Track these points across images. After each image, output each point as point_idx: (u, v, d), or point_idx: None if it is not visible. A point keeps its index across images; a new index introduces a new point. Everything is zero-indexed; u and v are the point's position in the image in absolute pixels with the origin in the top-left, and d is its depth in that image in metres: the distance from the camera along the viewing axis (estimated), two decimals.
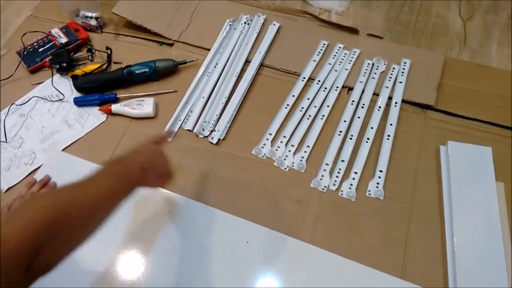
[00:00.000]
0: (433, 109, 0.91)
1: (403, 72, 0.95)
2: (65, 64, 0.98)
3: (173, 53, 1.03)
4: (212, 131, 0.90)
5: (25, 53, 1.02)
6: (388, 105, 0.91)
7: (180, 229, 0.78)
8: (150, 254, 0.76)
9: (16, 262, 0.40)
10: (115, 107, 0.93)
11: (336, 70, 0.97)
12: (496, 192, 0.78)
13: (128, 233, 0.78)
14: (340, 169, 0.84)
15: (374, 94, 0.93)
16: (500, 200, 0.77)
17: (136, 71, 0.96)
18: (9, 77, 1.00)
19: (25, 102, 0.97)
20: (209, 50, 1.03)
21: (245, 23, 1.06)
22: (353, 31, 1.04)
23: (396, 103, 0.91)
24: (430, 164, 0.85)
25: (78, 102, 0.96)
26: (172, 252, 0.76)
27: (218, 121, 0.91)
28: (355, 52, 1.00)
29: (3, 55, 1.05)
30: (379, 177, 0.82)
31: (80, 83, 0.97)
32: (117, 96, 0.96)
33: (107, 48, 1.04)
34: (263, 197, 0.82)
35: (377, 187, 0.81)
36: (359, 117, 0.90)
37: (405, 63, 0.97)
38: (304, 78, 0.96)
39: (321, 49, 1.01)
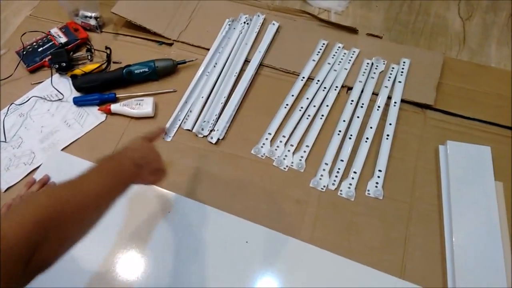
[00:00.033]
0: (432, 109, 0.91)
1: (402, 72, 0.95)
2: (64, 64, 0.98)
3: (173, 53, 1.03)
4: (211, 130, 0.90)
5: (24, 53, 1.02)
6: (387, 104, 0.91)
7: (179, 228, 0.78)
8: (149, 253, 0.76)
9: (14, 259, 0.40)
10: (114, 107, 0.93)
11: (335, 70, 0.97)
12: (495, 191, 0.78)
13: (127, 232, 0.78)
14: (339, 168, 0.84)
15: (373, 93, 0.93)
16: (499, 199, 0.78)
17: (136, 71, 0.96)
18: (8, 77, 1.00)
19: (25, 102, 0.97)
20: (208, 49, 1.03)
21: (244, 22, 1.06)
22: (352, 30, 1.04)
23: (395, 102, 0.91)
24: (429, 164, 0.85)
25: (77, 102, 0.96)
26: (171, 251, 0.76)
27: (217, 120, 0.91)
28: (354, 51, 1.00)
29: (3, 54, 1.05)
30: (378, 177, 0.82)
31: (79, 83, 0.97)
32: (117, 95, 0.96)
33: (107, 47, 1.04)
34: (262, 197, 0.82)
35: (376, 186, 0.81)
36: (358, 117, 0.90)
37: (404, 62, 0.97)
38: (303, 77, 0.96)
39: (321, 49, 1.01)
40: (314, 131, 0.89)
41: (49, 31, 1.05)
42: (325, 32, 1.04)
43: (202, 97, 0.95)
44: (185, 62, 0.99)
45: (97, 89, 0.97)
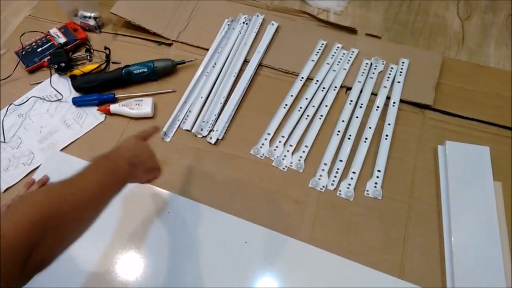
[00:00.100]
0: (431, 109, 0.91)
1: (401, 72, 0.95)
2: (63, 64, 0.98)
3: (172, 53, 1.03)
4: (210, 131, 0.90)
5: (23, 53, 1.02)
6: (386, 105, 0.92)
7: (178, 228, 0.78)
8: (148, 253, 0.76)
9: (13, 258, 0.40)
10: (113, 107, 0.93)
11: (334, 70, 0.97)
12: (494, 191, 0.78)
13: (126, 232, 0.78)
14: (338, 169, 0.84)
15: (372, 94, 0.93)
16: (498, 199, 0.78)
17: (135, 71, 0.96)
18: (7, 77, 1.00)
19: (24, 102, 0.97)
20: (207, 50, 1.03)
21: (243, 23, 1.06)
22: (352, 31, 1.04)
23: (394, 103, 0.91)
24: (428, 164, 0.85)
25: (76, 102, 0.96)
26: (169, 251, 0.76)
27: (216, 121, 0.91)
28: (353, 52, 1.00)
29: (2, 54, 1.05)
30: (377, 177, 0.82)
31: (78, 83, 0.97)
32: (116, 96, 0.96)
33: (106, 48, 1.04)
34: (262, 197, 0.82)
35: (375, 186, 0.81)
36: (357, 117, 0.90)
37: (403, 63, 0.97)
38: (302, 78, 0.97)
39: (320, 49, 1.01)
40: (313, 131, 0.89)
41: (48, 31, 1.05)
42: (324, 32, 1.05)
43: (201, 97, 0.95)
44: (184, 62, 0.99)
45: (96, 89, 0.97)
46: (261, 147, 0.88)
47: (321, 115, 0.91)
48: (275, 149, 0.87)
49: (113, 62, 1.03)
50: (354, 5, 1.15)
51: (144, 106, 0.92)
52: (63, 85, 1.00)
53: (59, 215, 0.46)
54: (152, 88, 0.98)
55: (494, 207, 0.76)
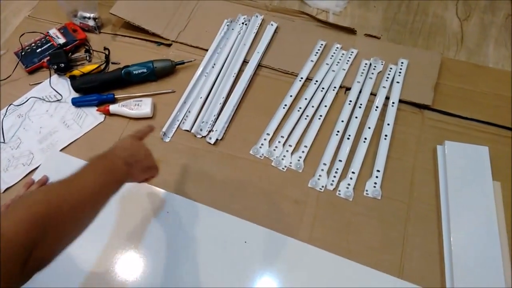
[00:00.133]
0: (430, 109, 0.91)
1: (400, 72, 0.95)
2: (63, 65, 0.98)
3: (171, 54, 1.04)
4: (210, 131, 0.90)
5: (23, 53, 1.02)
6: (385, 105, 0.92)
7: (178, 228, 0.78)
8: (146, 253, 0.76)
9: (13, 258, 0.40)
10: (113, 108, 0.93)
11: (333, 70, 0.97)
12: (493, 191, 0.78)
13: (125, 232, 0.78)
14: (337, 169, 0.84)
15: (371, 94, 0.94)
16: (497, 199, 0.78)
17: (134, 72, 0.96)
18: (7, 78, 1.00)
19: (23, 103, 0.97)
20: (207, 50, 1.03)
21: (243, 23, 1.06)
22: (351, 31, 1.04)
23: (393, 103, 0.91)
24: (427, 164, 0.85)
25: (76, 103, 0.96)
26: (168, 251, 0.76)
27: (216, 121, 0.91)
28: (352, 52, 1.00)
29: (2, 54, 1.05)
30: (377, 177, 0.82)
31: (78, 84, 0.97)
32: (115, 96, 0.96)
33: (105, 48, 1.04)
34: (261, 197, 0.82)
35: (374, 186, 0.82)
36: (356, 117, 0.90)
37: (402, 63, 0.97)
38: (301, 78, 0.97)
39: (319, 49, 1.01)
40: (313, 131, 0.89)
41: (48, 32, 1.05)
42: (323, 33, 1.05)
43: (201, 98, 0.95)
44: (183, 63, 0.99)
45: (96, 89, 0.97)
46: (260, 147, 0.88)
47: (321, 115, 0.91)
48: (274, 149, 0.87)
49: (112, 63, 1.03)
50: (353, 5, 1.15)
51: (143, 107, 0.92)
52: (62, 86, 1.00)
53: (58, 215, 0.46)
54: (151, 88, 0.98)
55: (493, 207, 0.76)
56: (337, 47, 1.01)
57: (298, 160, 0.86)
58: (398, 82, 0.94)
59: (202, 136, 0.90)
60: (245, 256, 0.75)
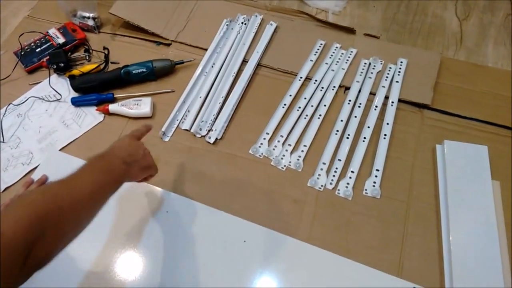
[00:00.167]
0: (429, 108, 0.92)
1: (399, 72, 0.95)
2: (62, 64, 0.98)
3: (170, 53, 1.04)
4: (209, 130, 0.90)
5: (22, 53, 1.01)
6: (384, 104, 0.92)
7: (177, 228, 0.78)
8: (146, 253, 0.76)
9: (12, 256, 0.40)
10: (112, 107, 0.93)
11: (333, 70, 0.98)
12: (492, 190, 0.78)
13: (123, 232, 0.78)
14: (337, 168, 0.84)
15: (370, 93, 0.94)
16: (496, 198, 0.78)
17: (134, 71, 0.96)
18: (6, 77, 1.00)
19: (23, 102, 0.97)
20: (206, 50, 1.03)
21: (242, 23, 1.06)
22: (350, 31, 1.04)
23: (392, 102, 0.91)
24: (427, 163, 0.85)
25: (75, 102, 0.96)
26: (167, 251, 0.76)
27: (215, 120, 0.91)
28: (351, 51, 1.00)
29: (2, 54, 1.05)
30: (376, 176, 0.82)
31: (77, 83, 0.97)
32: (115, 96, 0.96)
33: (105, 48, 1.04)
34: (260, 197, 0.82)
35: (373, 186, 0.82)
36: (355, 117, 0.90)
37: (401, 62, 0.97)
38: (301, 77, 0.97)
39: (318, 49, 1.01)
40: (312, 130, 0.89)
41: (47, 32, 1.05)
42: (323, 32, 1.05)
43: (200, 97, 0.95)
44: (183, 62, 0.99)
45: (95, 89, 0.97)
46: (260, 146, 0.88)
47: (320, 115, 0.91)
48: (273, 149, 0.87)
49: (112, 62, 1.03)
50: (353, 5, 1.15)
51: (143, 106, 0.92)
52: (62, 85, 1.00)
53: (57, 214, 0.46)
54: (151, 88, 0.98)
55: (492, 206, 0.76)
56: (337, 47, 1.01)
57: (298, 160, 0.86)
58: (397, 82, 0.94)
59: (202, 136, 0.90)
60: (244, 255, 0.75)
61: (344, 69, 0.97)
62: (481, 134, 0.88)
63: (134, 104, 0.93)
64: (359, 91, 0.94)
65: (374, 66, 0.97)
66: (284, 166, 0.85)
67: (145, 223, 0.79)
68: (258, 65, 1.00)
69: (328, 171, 0.84)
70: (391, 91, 0.93)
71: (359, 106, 0.91)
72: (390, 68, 0.96)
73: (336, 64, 0.98)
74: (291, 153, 0.87)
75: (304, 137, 0.88)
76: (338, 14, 1.14)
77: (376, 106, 0.91)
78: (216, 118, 0.91)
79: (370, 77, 0.96)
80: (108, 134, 0.91)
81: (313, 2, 1.15)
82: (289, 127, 0.90)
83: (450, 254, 0.72)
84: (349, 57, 0.99)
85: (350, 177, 0.83)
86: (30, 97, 0.98)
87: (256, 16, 1.07)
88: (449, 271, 0.71)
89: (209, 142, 0.89)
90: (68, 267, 0.74)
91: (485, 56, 1.03)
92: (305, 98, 0.94)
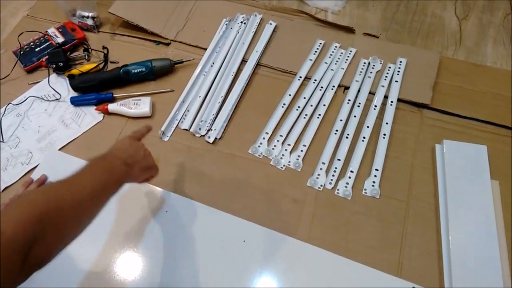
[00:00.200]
0: (429, 108, 0.92)
1: (399, 71, 0.95)
2: (61, 64, 0.98)
3: (170, 53, 1.03)
4: (208, 130, 0.90)
5: (21, 53, 1.01)
6: (384, 104, 0.92)
7: (177, 227, 0.78)
8: (145, 253, 0.76)
9: (12, 255, 0.41)
10: (111, 107, 0.93)
11: (332, 69, 0.98)
12: (492, 190, 0.78)
13: (123, 232, 0.78)
14: (336, 168, 0.84)
15: (370, 93, 0.94)
16: (495, 198, 0.78)
17: (133, 71, 0.96)
18: (5, 77, 1.00)
19: (22, 102, 0.97)
20: (205, 49, 1.03)
21: (241, 22, 1.06)
22: (349, 30, 1.04)
23: (392, 102, 0.91)
24: (426, 163, 0.85)
25: (74, 102, 0.96)
26: (167, 251, 0.76)
27: (214, 120, 0.91)
28: (351, 51, 1.00)
29: (2, 53, 1.05)
30: (375, 176, 0.82)
31: (76, 83, 0.97)
32: (114, 95, 0.96)
33: (104, 47, 1.04)
34: (260, 196, 0.82)
35: (373, 185, 0.82)
36: (355, 116, 0.90)
37: (401, 62, 0.97)
38: (300, 77, 0.97)
39: (318, 48, 1.01)
40: (311, 130, 0.89)
41: (46, 31, 1.05)
42: (322, 32, 1.05)
43: (200, 97, 0.95)
44: (182, 62, 0.99)
45: (95, 89, 0.97)
46: (259, 146, 0.88)
47: (319, 114, 0.91)
48: (273, 148, 0.87)
49: (111, 62, 1.03)
50: (352, 4, 1.15)
51: (142, 106, 0.92)
52: (61, 85, 0.99)
53: (57, 213, 0.46)
54: (150, 87, 0.98)
55: (492, 206, 0.76)
56: (336, 46, 1.01)
57: (297, 159, 0.86)
58: (396, 81, 0.94)
59: (201, 135, 0.90)
60: (244, 255, 0.75)
61: (343, 68, 0.97)
62: (480, 133, 0.88)
63: (134, 104, 0.93)
64: (359, 91, 0.94)
65: (374, 65, 0.97)
66: (284, 165, 0.85)
67: (145, 222, 0.79)
68: (258, 64, 1.00)
69: (327, 171, 0.84)
70: (390, 90, 0.93)
71: (358, 106, 0.91)
72: (390, 67, 0.96)
73: (336, 63, 0.98)
74: (291, 152, 0.87)
75: (304, 136, 0.88)
76: (337, 14, 1.14)
77: (376, 106, 0.91)
78: (215, 118, 0.91)
79: (369, 77, 0.96)
80: (107, 134, 0.91)
81: (312, 2, 1.15)
82: (289, 127, 0.90)
83: (450, 253, 0.72)
84: (348, 56, 0.99)
85: (350, 177, 0.83)
86: (29, 97, 0.98)
87: (256, 15, 1.07)
88: (449, 271, 0.71)
89: (208, 142, 0.89)
90: (68, 267, 0.74)
91: (484, 56, 1.03)
92: (304, 98, 0.94)
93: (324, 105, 0.92)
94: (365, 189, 0.82)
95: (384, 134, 0.87)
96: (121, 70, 0.96)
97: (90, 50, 1.04)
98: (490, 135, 0.88)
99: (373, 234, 0.77)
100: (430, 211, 0.79)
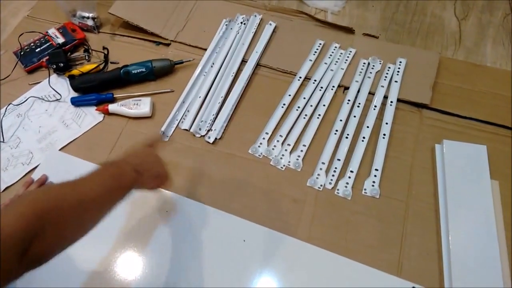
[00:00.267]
0: (428, 108, 0.92)
1: (398, 71, 0.95)
2: (62, 64, 0.98)
3: (170, 53, 1.04)
4: (208, 130, 0.90)
5: (22, 53, 1.02)
6: (383, 104, 0.92)
7: (177, 228, 0.79)
8: (148, 253, 0.76)
9: (11, 251, 0.41)
10: (112, 107, 0.93)
11: (332, 70, 0.98)
12: (491, 190, 0.78)
13: (124, 231, 0.78)
14: (336, 168, 0.84)
15: (369, 93, 0.94)
16: (495, 198, 0.78)
17: (133, 71, 0.96)
18: (6, 78, 1.00)
19: (22, 102, 0.97)
20: (205, 50, 1.03)
21: (241, 23, 1.06)
22: (349, 30, 1.04)
23: (391, 102, 0.91)
24: (426, 163, 0.85)
25: (75, 102, 0.96)
26: (169, 251, 0.76)
27: (214, 120, 0.91)
28: (350, 51, 1.00)
29: (2, 54, 1.05)
30: (375, 176, 0.83)
31: (77, 83, 0.97)
32: (114, 96, 0.96)
33: (104, 48, 1.04)
34: (260, 196, 0.82)
35: (373, 185, 0.82)
36: (355, 116, 0.90)
37: (400, 62, 0.97)
38: (300, 77, 0.97)
39: (317, 49, 1.01)
40: (311, 130, 0.89)
41: (47, 32, 1.05)
42: (322, 32, 1.05)
43: (200, 97, 0.95)
44: (182, 62, 0.99)
45: (95, 89, 0.97)
46: (259, 146, 0.88)
47: (319, 115, 0.91)
48: (273, 148, 0.88)
49: (111, 62, 1.03)
50: (352, 5, 1.16)
51: (142, 106, 0.92)
52: (61, 85, 1.00)
53: (57, 212, 0.47)
54: (150, 88, 0.98)
55: (492, 205, 0.77)
56: (336, 47, 1.02)
57: (297, 159, 0.86)
58: (396, 81, 0.94)
59: (201, 136, 0.90)
60: (244, 255, 0.75)
61: (343, 69, 0.98)
62: (480, 133, 0.88)
63: (134, 104, 0.93)
64: (358, 91, 0.94)
65: (373, 65, 0.97)
66: (284, 165, 0.86)
67: (145, 222, 0.79)
68: (257, 65, 1.00)
69: (327, 171, 0.84)
70: (390, 90, 0.93)
71: (358, 106, 0.92)
72: (389, 67, 0.97)
73: (335, 64, 0.99)
74: (291, 152, 0.87)
75: (303, 136, 0.89)
76: (337, 14, 1.14)
77: (375, 106, 0.91)
78: (215, 118, 0.92)
79: (369, 77, 0.96)
80: (107, 134, 0.92)
81: (312, 2, 1.15)
82: (288, 127, 0.90)
83: (449, 253, 0.72)
84: (348, 56, 0.99)
85: (349, 177, 0.83)
86: (30, 97, 0.98)
87: (255, 16, 1.07)
88: (448, 271, 0.72)
89: (208, 142, 0.89)
90: (69, 267, 0.74)
91: (483, 56, 1.03)
92: (304, 98, 0.94)
93: (324, 105, 0.92)
94: (365, 189, 0.82)
95: (384, 134, 0.87)
96: (121, 71, 0.96)
97: (90, 50, 1.05)
98: (489, 135, 0.88)
99: (373, 234, 0.77)
100: (430, 211, 0.79)
